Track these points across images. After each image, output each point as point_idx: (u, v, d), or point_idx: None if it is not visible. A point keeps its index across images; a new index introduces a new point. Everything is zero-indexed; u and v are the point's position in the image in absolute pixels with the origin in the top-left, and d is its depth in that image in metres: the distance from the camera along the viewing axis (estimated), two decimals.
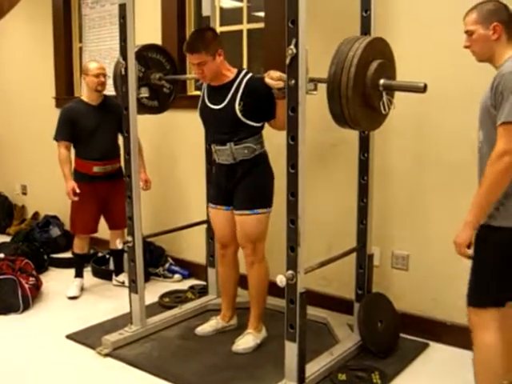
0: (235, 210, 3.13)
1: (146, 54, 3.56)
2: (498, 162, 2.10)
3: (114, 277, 4.35)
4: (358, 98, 2.45)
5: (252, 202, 3.01)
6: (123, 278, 4.24)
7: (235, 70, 3.09)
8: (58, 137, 3.98)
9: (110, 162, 4.06)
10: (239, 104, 2.99)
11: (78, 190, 3.87)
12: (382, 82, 2.52)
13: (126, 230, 4.07)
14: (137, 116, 3.21)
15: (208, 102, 3.13)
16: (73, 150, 4.06)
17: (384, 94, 2.54)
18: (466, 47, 2.30)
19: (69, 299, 4.04)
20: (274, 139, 3.11)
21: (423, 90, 2.45)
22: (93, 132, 3.95)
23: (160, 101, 3.68)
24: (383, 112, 2.55)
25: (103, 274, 4.50)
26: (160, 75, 3.57)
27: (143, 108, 3.56)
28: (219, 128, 3.10)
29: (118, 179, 3.99)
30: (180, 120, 4.01)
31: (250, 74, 3.06)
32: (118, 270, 4.34)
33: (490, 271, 2.26)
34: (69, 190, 3.89)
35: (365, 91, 2.48)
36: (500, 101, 2.10)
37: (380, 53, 2.56)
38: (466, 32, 2.28)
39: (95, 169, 4.01)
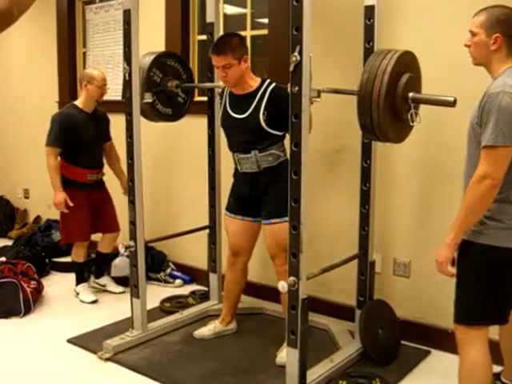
0: (265, 220, 3.11)
1: (164, 61, 3.58)
2: (478, 185, 2.11)
3: (92, 278, 4.29)
4: (387, 109, 2.46)
5: (284, 210, 2.91)
6: (105, 281, 4.23)
7: (259, 80, 3.09)
8: (52, 143, 3.89)
9: (100, 169, 4.09)
10: (263, 114, 2.99)
11: (70, 203, 3.84)
12: (411, 95, 2.53)
13: (118, 234, 4.14)
14: (140, 121, 3.23)
15: (231, 111, 3.13)
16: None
17: (412, 106, 2.54)
18: (466, 46, 2.28)
19: (91, 304, 4.02)
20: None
21: (453, 104, 2.43)
22: (89, 140, 3.94)
23: (174, 109, 3.69)
24: (411, 124, 2.55)
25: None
26: (177, 83, 3.60)
27: (158, 115, 3.59)
28: (243, 137, 3.11)
29: (104, 186, 4.13)
30: (183, 125, 4.01)
31: (273, 84, 3.06)
32: (99, 273, 4.30)
33: (473, 290, 2.25)
34: (61, 200, 3.84)
35: (395, 103, 2.49)
36: (485, 121, 2.10)
37: (410, 66, 2.58)
38: (470, 31, 2.26)
39: (89, 176, 4.01)
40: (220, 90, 3.35)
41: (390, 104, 2.47)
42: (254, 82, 3.08)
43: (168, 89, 3.57)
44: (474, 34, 2.24)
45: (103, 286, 4.25)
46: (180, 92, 3.67)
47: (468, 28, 2.27)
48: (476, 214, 2.17)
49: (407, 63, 2.56)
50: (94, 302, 4.05)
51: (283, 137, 3.08)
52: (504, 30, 2.18)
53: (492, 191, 2.11)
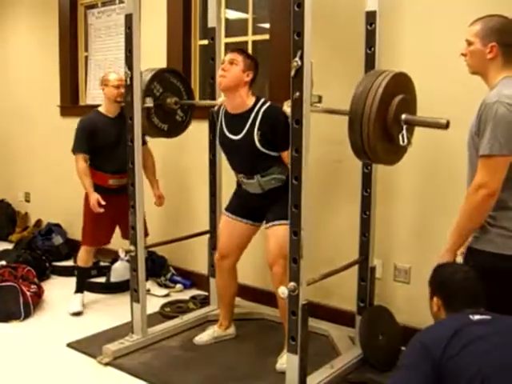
0: (270, 222, 3.11)
1: (166, 77, 3.59)
2: (475, 194, 2.13)
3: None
4: (378, 130, 2.43)
5: (287, 215, 2.91)
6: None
7: (254, 98, 3.09)
8: (77, 149, 3.90)
9: (125, 175, 4.00)
10: (257, 134, 3.00)
11: (102, 202, 3.82)
12: (403, 116, 2.50)
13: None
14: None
15: (227, 131, 3.13)
16: None
17: (404, 128, 2.52)
18: (462, 55, 2.29)
19: (72, 315, 3.90)
20: None
21: (445, 127, 2.41)
22: (111, 145, 3.90)
23: (170, 125, 3.68)
24: (401, 144, 2.51)
25: (103, 285, 4.48)
26: (176, 99, 3.60)
27: (153, 128, 3.58)
28: (241, 158, 3.14)
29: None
30: (186, 130, 4.01)
31: (268, 103, 3.06)
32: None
33: None
34: (94, 202, 3.81)
35: (386, 123, 2.46)
36: (482, 131, 2.12)
37: (404, 88, 2.55)
38: (466, 40, 2.26)
39: (111, 181, 3.98)
40: (216, 109, 3.34)
41: (381, 124, 2.44)
42: (250, 101, 3.07)
43: (166, 104, 3.57)
44: (469, 43, 2.25)
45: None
46: (179, 111, 3.68)
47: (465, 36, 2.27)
48: (474, 222, 2.20)
49: (402, 84, 2.53)
50: (76, 314, 3.92)
51: (280, 158, 3.07)
52: (500, 39, 2.18)
53: (489, 200, 2.13)
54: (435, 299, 2.05)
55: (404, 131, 2.49)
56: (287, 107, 2.76)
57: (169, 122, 3.66)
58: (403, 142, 2.50)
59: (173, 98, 3.59)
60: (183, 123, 3.76)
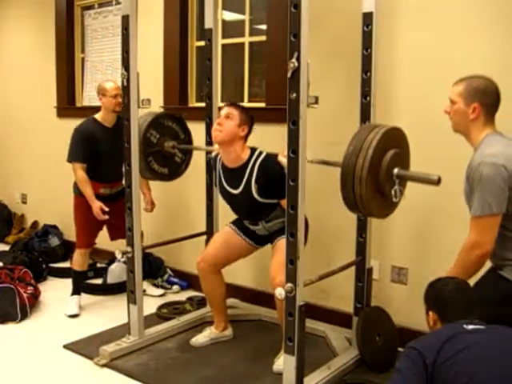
0: (275, 240, 3.17)
1: (162, 122, 3.57)
2: (468, 254, 2.23)
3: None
4: (371, 184, 2.42)
5: None
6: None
7: (248, 151, 3.11)
8: (74, 159, 3.85)
9: (116, 183, 4.02)
10: (255, 187, 3.04)
11: (106, 209, 3.82)
12: (396, 171, 2.49)
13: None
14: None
15: (226, 185, 3.17)
16: None
17: (397, 182, 2.51)
18: (446, 113, 2.35)
19: (69, 317, 3.89)
20: None
21: (437, 183, 2.41)
22: (106, 155, 3.88)
23: (170, 169, 3.67)
24: (394, 200, 2.50)
25: (101, 287, 4.48)
26: (173, 143, 3.59)
27: (153, 173, 3.57)
28: (243, 209, 3.22)
29: (122, 198, 3.74)
30: None
31: (263, 155, 3.09)
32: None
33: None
34: (97, 210, 3.80)
35: (379, 179, 2.45)
36: (472, 192, 2.20)
37: (397, 142, 2.54)
38: (450, 99, 2.33)
39: (102, 190, 3.97)
40: (213, 156, 3.36)
41: (373, 179, 2.42)
42: (245, 154, 3.10)
43: (164, 149, 3.56)
44: (453, 103, 2.31)
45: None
46: (177, 152, 3.67)
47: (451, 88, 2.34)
48: (467, 276, 2.26)
49: (395, 139, 2.52)
50: (73, 316, 3.91)
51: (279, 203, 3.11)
52: (483, 99, 2.25)
53: (482, 259, 2.22)
54: (431, 314, 2.07)
55: (396, 186, 2.49)
56: (283, 157, 2.79)
57: (168, 165, 3.65)
58: (395, 197, 2.49)
59: (170, 142, 3.57)
60: (183, 163, 3.76)
